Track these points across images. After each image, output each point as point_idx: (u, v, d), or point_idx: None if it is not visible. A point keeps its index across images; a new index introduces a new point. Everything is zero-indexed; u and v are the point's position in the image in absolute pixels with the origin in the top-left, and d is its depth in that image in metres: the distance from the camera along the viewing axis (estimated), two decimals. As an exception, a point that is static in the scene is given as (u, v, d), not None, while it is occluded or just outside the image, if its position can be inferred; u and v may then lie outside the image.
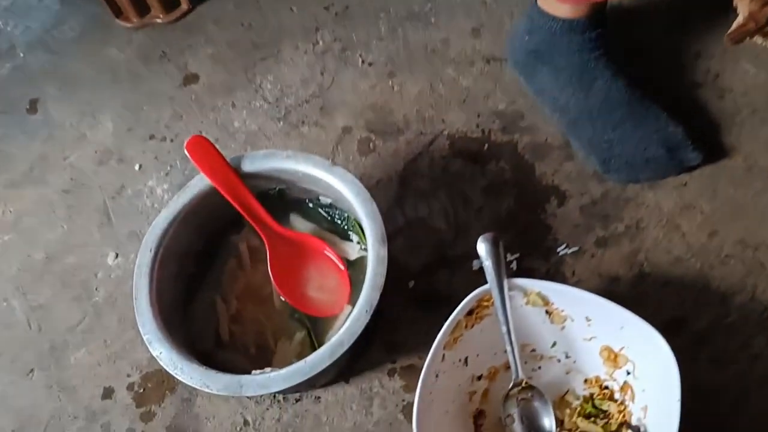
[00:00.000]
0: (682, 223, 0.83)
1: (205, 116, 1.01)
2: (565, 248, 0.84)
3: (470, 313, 0.73)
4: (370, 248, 0.74)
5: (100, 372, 0.86)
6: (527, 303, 0.74)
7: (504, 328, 0.72)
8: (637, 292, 0.80)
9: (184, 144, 0.79)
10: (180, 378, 0.71)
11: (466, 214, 0.88)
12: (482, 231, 0.85)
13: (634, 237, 0.83)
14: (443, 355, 0.72)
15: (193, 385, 0.71)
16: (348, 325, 0.71)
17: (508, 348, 0.73)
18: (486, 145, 0.91)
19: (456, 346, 0.74)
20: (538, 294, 0.73)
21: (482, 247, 0.73)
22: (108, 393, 0.85)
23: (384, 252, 0.74)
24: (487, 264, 0.72)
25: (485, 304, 0.74)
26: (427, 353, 0.78)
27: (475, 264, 0.85)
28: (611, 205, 0.85)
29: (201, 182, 0.81)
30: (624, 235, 0.84)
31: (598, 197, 0.86)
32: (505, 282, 0.72)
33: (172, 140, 1.00)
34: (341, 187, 0.78)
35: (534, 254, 0.84)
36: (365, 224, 0.76)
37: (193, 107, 1.02)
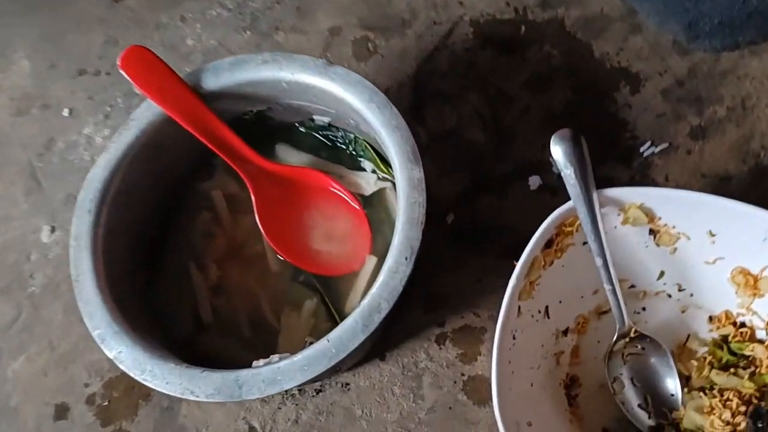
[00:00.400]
0: (804, 93, 0.62)
1: (148, 37, 0.78)
2: (650, 147, 0.63)
3: (548, 244, 0.52)
4: (400, 171, 0.52)
5: (48, 384, 0.64)
6: (624, 222, 0.53)
7: (599, 259, 0.51)
8: (757, 192, 0.59)
9: (118, 61, 0.56)
10: (151, 385, 0.50)
11: (508, 118, 0.66)
12: (533, 137, 0.64)
13: (742, 120, 0.62)
14: (519, 308, 0.51)
15: (172, 393, 0.49)
16: (384, 281, 0.50)
17: (607, 286, 0.52)
18: (522, 27, 0.69)
19: (534, 293, 0.53)
20: (640, 207, 0.52)
21: (559, 149, 0.51)
22: (61, 411, 0.63)
23: (419, 173, 0.52)
24: (568, 172, 0.51)
25: (567, 229, 0.52)
26: (484, 308, 0.58)
27: (532, 182, 0.63)
28: (703, 83, 0.64)
29: (149, 112, 0.58)
30: (727, 120, 0.63)
31: (683, 75, 0.64)
32: (595, 194, 0.50)
33: (108, 73, 0.76)
34: (344, 95, 0.56)
35: (609, 160, 0.62)
36: (387, 140, 0.54)
37: (131, 28, 0.78)
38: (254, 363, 0.52)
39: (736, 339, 0.54)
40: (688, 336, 0.56)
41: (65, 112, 0.76)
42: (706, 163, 0.62)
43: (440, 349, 0.60)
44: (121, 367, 0.51)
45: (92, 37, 0.79)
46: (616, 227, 0.53)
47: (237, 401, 0.56)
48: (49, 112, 0.76)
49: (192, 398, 0.49)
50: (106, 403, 0.63)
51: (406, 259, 0.50)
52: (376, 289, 0.50)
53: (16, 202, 0.73)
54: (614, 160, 0.63)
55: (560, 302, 0.55)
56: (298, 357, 0.49)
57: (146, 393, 0.63)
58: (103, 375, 0.64)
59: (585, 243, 0.53)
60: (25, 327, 0.67)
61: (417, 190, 0.52)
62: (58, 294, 0.68)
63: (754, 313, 0.54)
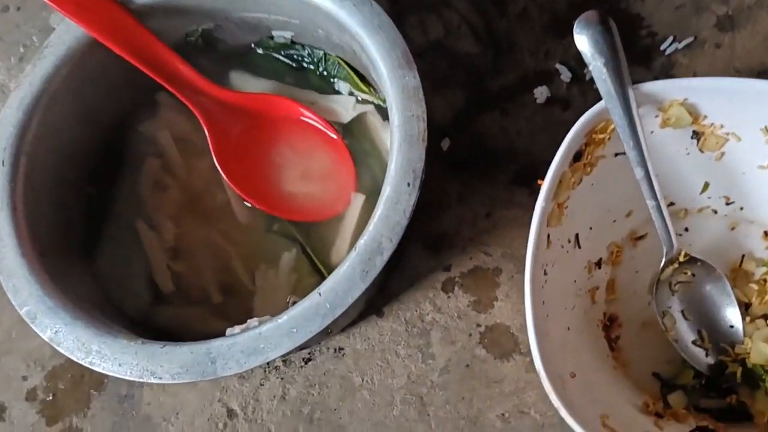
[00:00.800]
0: None
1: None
2: (672, 43, 0.54)
3: (577, 157, 0.43)
4: (390, 80, 0.42)
5: (-22, 382, 0.53)
6: (663, 124, 0.44)
7: (640, 169, 0.42)
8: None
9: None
10: (100, 369, 0.40)
11: (503, 24, 0.56)
12: (534, 44, 0.55)
13: (776, 3, 0.53)
14: (548, 237, 0.42)
15: (128, 377, 0.39)
16: (383, 214, 0.40)
17: (650, 202, 0.43)
18: None
19: (563, 218, 0.43)
20: (683, 104, 0.43)
21: (584, 38, 0.41)
22: (-4, 412, 0.52)
23: (414, 79, 0.42)
24: (598, 64, 0.41)
25: (599, 137, 0.43)
26: (495, 245, 0.49)
27: (539, 94, 0.54)
28: (727, -36, 0.55)
29: (68, 36, 0.47)
30: (758, 6, 0.54)
31: (702, -43, 0.55)
32: (631, 90, 0.41)
33: (19, 8, 0.64)
34: (310, -5, 0.45)
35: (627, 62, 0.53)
36: (369, 44, 0.43)
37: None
38: (228, 331, 0.42)
39: (801, 254, 0.46)
40: (743, 257, 0.47)
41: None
42: (738, 57, 0.53)
43: (448, 297, 0.50)
44: (60, 349, 0.41)
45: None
46: (653, 132, 0.44)
47: (211, 380, 0.45)
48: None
49: (154, 381, 0.39)
50: (50, 398, 0.52)
51: (409, 185, 0.40)
52: (374, 225, 0.40)
53: None
54: (631, 62, 0.53)
55: (591, 228, 0.46)
56: (284, 318, 0.39)
57: (99, 381, 0.52)
58: (45, 364, 0.53)
59: (617, 154, 0.44)
60: (-56, 316, 0.56)
61: (413, 101, 0.42)
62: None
63: (820, 221, 0.45)
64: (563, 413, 0.37)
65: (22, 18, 0.63)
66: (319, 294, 0.39)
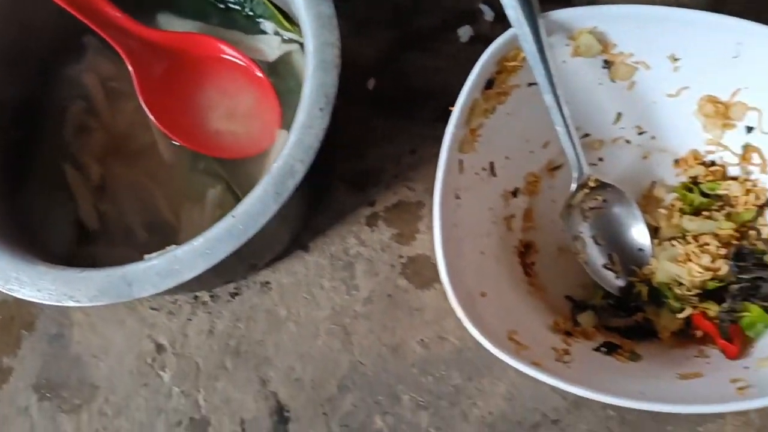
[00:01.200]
0: None
1: None
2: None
3: (489, 85, 0.44)
4: (305, 8, 0.43)
5: None
6: (574, 53, 0.45)
7: (549, 96, 0.43)
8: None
9: None
10: (19, 295, 0.40)
11: (428, -36, 0.57)
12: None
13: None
14: (461, 162, 0.43)
15: (46, 302, 0.39)
16: (296, 139, 0.40)
17: (559, 128, 0.44)
18: None
19: (476, 145, 0.44)
20: (592, 32, 0.44)
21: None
22: None
23: (329, 8, 0.43)
24: (507, -11, 0.42)
25: (510, 64, 0.44)
26: (419, 181, 0.50)
27: (462, 33, 0.55)
28: None
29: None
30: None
31: None
32: (540, 19, 0.42)
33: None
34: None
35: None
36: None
37: None
38: (146, 257, 0.42)
39: (708, 179, 0.47)
40: (653, 183, 0.49)
41: None
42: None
43: (372, 231, 0.51)
44: (-22, 278, 0.40)
45: None
46: (565, 62, 0.46)
47: (127, 301, 0.46)
48: None
49: (72, 304, 0.39)
50: (-22, 339, 0.52)
51: (321, 110, 0.41)
52: (288, 149, 0.40)
53: None
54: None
55: (507, 158, 0.47)
56: (199, 241, 0.40)
57: (29, 321, 0.52)
58: (-29, 306, 0.53)
59: (531, 84, 0.45)
60: None
61: (327, 29, 0.42)
62: None
63: (725, 148, 0.47)
64: (467, 324, 0.38)
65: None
66: (233, 216, 0.40)
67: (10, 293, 0.40)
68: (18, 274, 0.41)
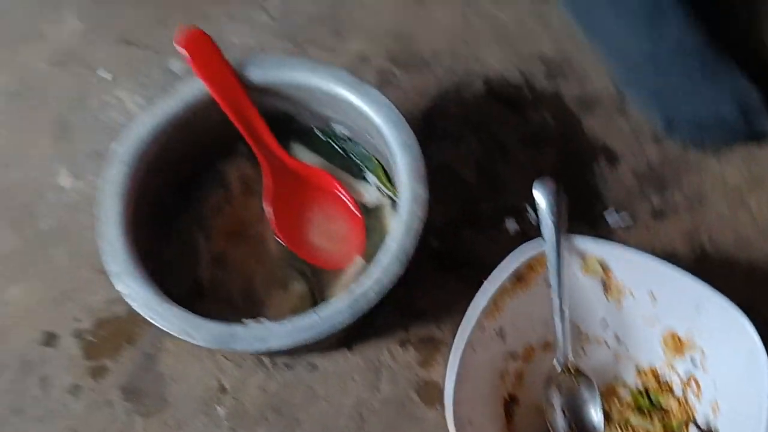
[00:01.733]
0: (751, 199, 0.72)
1: (194, 24, 0.84)
2: (616, 218, 0.72)
3: (519, 278, 0.61)
4: (405, 186, 0.61)
5: (41, 313, 0.70)
6: (584, 271, 0.62)
7: (557, 300, 0.60)
8: (696, 274, 0.68)
9: (175, 38, 0.64)
10: (156, 322, 0.57)
11: (500, 166, 0.75)
12: (518, 187, 0.73)
13: (695, 210, 0.72)
14: (481, 323, 0.59)
15: (172, 332, 0.56)
16: (377, 277, 0.57)
17: (558, 324, 0.61)
18: (526, 91, 0.79)
19: (497, 315, 0.61)
20: (599, 260, 0.61)
21: (541, 195, 0.60)
22: (49, 339, 0.69)
23: (424, 192, 0.61)
24: (545, 216, 0.60)
25: (536, 268, 0.61)
26: (448, 324, 0.66)
27: (510, 226, 0.72)
28: (670, 170, 0.74)
29: (191, 89, 0.66)
30: (683, 207, 0.72)
31: (654, 161, 0.74)
32: (564, 239, 0.59)
33: (149, 47, 0.83)
34: (371, 112, 0.64)
35: (579, 220, 0.71)
36: (400, 158, 0.62)
37: (180, 14, 0.86)
38: (245, 320, 0.59)
39: (656, 391, 0.63)
40: (617, 381, 0.65)
41: (102, 73, 0.82)
42: (659, 239, 0.71)
43: (403, 351, 0.67)
44: (130, 302, 0.57)
45: (142, 12, 0.86)
46: (577, 276, 0.62)
47: (222, 351, 0.62)
48: (87, 70, 0.83)
49: (188, 339, 0.55)
50: (93, 340, 0.68)
51: (400, 260, 0.58)
52: (370, 281, 0.57)
53: (40, 145, 0.78)
54: (582, 222, 0.71)
55: (516, 329, 0.63)
56: (289, 323, 0.56)
57: (132, 338, 0.68)
58: (96, 315, 0.69)
59: (549, 285, 0.62)
60: (28, 259, 0.73)
61: (418, 204, 0.60)
62: (67, 238, 0.73)
63: (675, 371, 0.63)
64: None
65: (150, 56, 0.83)
66: (318, 316, 0.56)
67: (150, 319, 0.56)
68: (158, 308, 0.57)
